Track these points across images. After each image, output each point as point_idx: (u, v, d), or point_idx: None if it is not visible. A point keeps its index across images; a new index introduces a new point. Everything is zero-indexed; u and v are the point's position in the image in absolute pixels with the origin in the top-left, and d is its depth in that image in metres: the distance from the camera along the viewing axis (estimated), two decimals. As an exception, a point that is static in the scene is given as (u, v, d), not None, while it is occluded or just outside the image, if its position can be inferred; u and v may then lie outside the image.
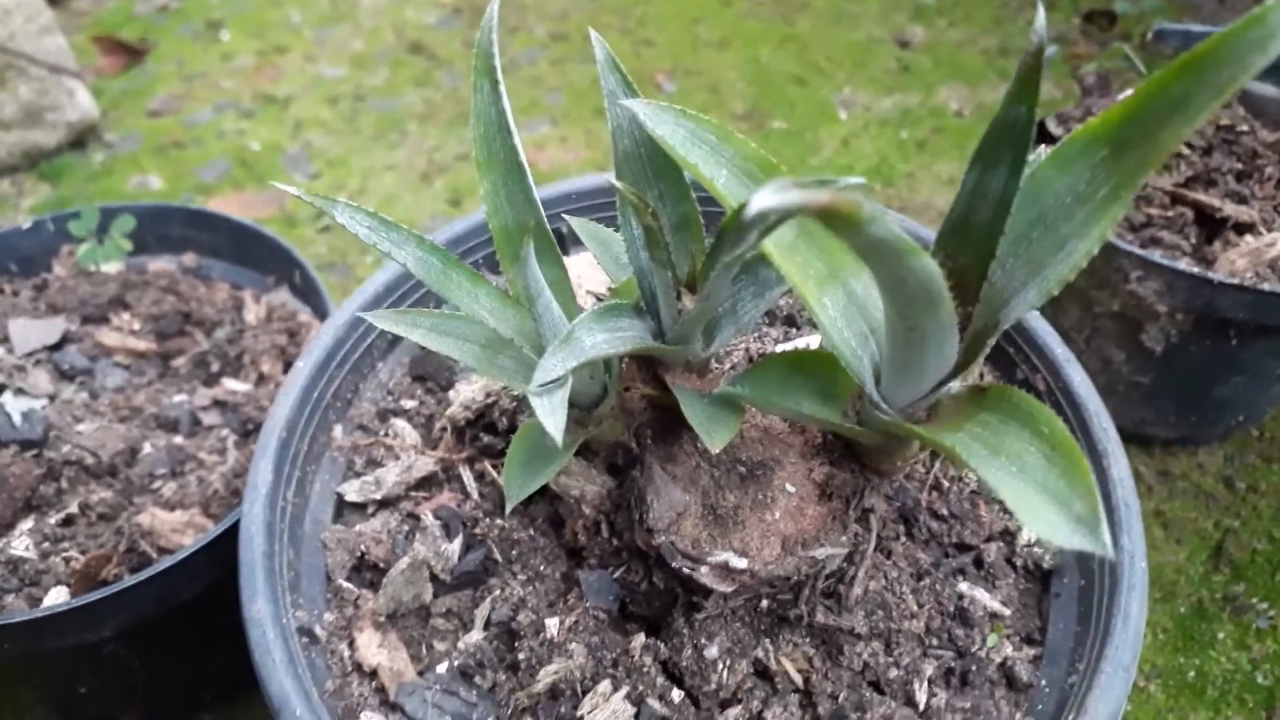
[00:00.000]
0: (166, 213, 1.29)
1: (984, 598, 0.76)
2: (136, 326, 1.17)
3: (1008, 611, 0.76)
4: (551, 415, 0.55)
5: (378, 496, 0.83)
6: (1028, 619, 0.77)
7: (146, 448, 1.03)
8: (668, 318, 0.66)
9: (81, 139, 2.07)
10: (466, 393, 0.87)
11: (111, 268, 1.24)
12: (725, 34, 2.43)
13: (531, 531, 0.79)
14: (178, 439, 1.06)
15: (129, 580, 0.88)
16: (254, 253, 1.27)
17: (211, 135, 2.12)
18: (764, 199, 0.36)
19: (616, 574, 0.77)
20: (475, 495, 0.83)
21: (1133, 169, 0.49)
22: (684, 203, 0.66)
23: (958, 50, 2.33)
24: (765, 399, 0.65)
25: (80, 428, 1.03)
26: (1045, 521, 0.47)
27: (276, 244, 1.22)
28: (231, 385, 1.12)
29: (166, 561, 0.89)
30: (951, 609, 0.76)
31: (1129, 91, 0.48)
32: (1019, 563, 0.80)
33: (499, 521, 0.79)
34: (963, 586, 0.77)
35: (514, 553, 0.78)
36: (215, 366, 1.14)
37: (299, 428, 0.82)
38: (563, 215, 0.81)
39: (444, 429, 0.86)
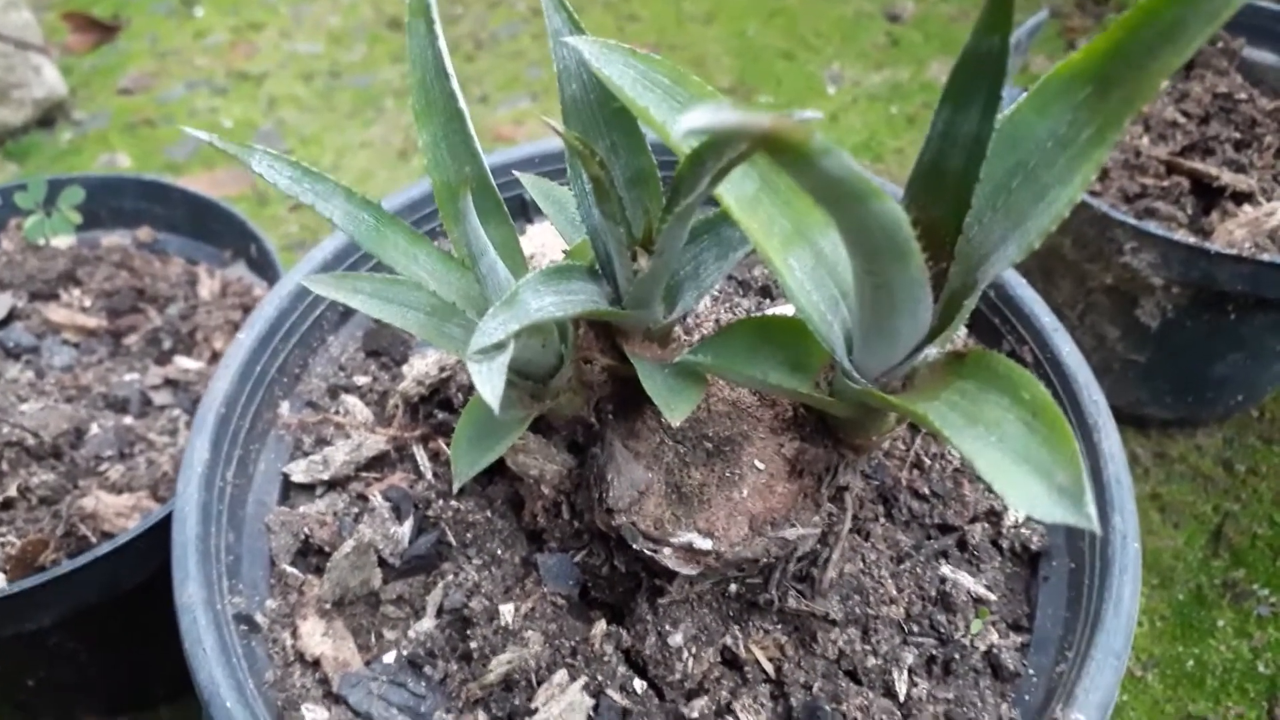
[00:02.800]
0: (119, 185, 1.24)
1: (968, 582, 0.73)
2: (87, 303, 1.13)
3: (993, 596, 0.73)
4: (489, 382, 0.50)
5: (325, 477, 0.78)
6: (1014, 604, 0.73)
7: (94, 428, 0.98)
8: (623, 279, 0.61)
9: (49, 117, 2.02)
10: (420, 367, 0.82)
11: (63, 242, 1.19)
12: (711, 8, 2.38)
13: (489, 513, 0.75)
14: (127, 419, 1.01)
15: (66, 566, 0.84)
16: (210, 227, 1.22)
17: (184, 113, 2.07)
18: (697, 118, 0.32)
19: (577, 557, 0.73)
20: (429, 475, 0.78)
21: (1118, 107, 0.45)
22: (639, 156, 0.61)
23: (949, 24, 2.28)
24: (729, 368, 0.61)
25: (24, 408, 0.98)
26: (1024, 493, 0.43)
27: (232, 217, 1.17)
28: (184, 363, 1.08)
29: (106, 546, 0.85)
30: (933, 594, 0.72)
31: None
32: (1005, 545, 0.76)
33: (454, 503, 0.74)
34: (945, 570, 0.73)
35: (469, 535, 0.74)
36: (167, 344, 1.09)
37: (240, 404, 0.78)
38: (514, 173, 0.76)
39: (396, 405, 0.82)
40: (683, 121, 0.31)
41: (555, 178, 0.92)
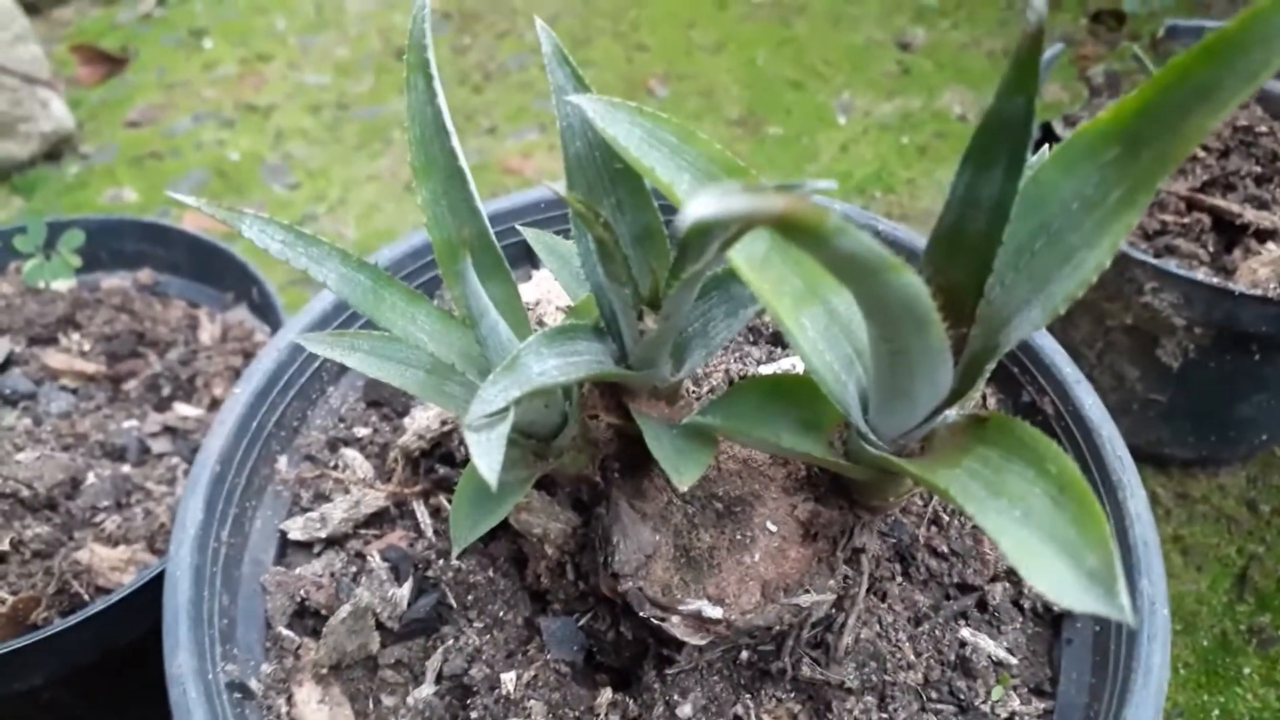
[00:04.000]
0: (120, 227, 1.22)
1: (988, 645, 0.70)
2: (87, 347, 1.11)
3: (1014, 660, 0.70)
4: (486, 455, 0.47)
5: (323, 535, 0.76)
6: (1037, 668, 0.70)
7: (90, 478, 0.96)
8: (629, 339, 0.59)
9: (56, 151, 2.02)
10: (422, 420, 0.80)
11: (62, 285, 1.18)
12: (720, 37, 2.36)
13: (491, 573, 0.72)
14: (124, 468, 0.99)
15: (59, 624, 0.82)
16: (212, 268, 1.20)
17: (190, 146, 2.06)
18: (702, 206, 0.30)
19: (582, 621, 0.70)
20: (429, 533, 0.76)
21: (1149, 169, 0.43)
22: (645, 212, 0.59)
23: (961, 52, 2.26)
24: (739, 430, 0.59)
25: (19, 457, 0.96)
26: (1052, 577, 0.40)
27: (233, 259, 1.15)
28: (183, 410, 1.05)
29: (99, 604, 0.82)
30: (952, 658, 0.69)
31: (1141, 90, 0.41)
32: (1027, 605, 0.73)
33: (454, 562, 0.72)
34: (965, 632, 0.70)
35: (470, 597, 0.71)
36: (167, 390, 1.07)
37: (236, 460, 0.75)
38: (517, 226, 0.74)
39: (397, 460, 0.79)
40: (689, 212, 0.29)
41: (564, 221, 0.90)
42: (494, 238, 0.60)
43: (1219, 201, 1.19)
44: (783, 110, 2.12)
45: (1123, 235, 0.44)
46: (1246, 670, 1.17)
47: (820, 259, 0.37)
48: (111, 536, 0.92)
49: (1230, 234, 1.19)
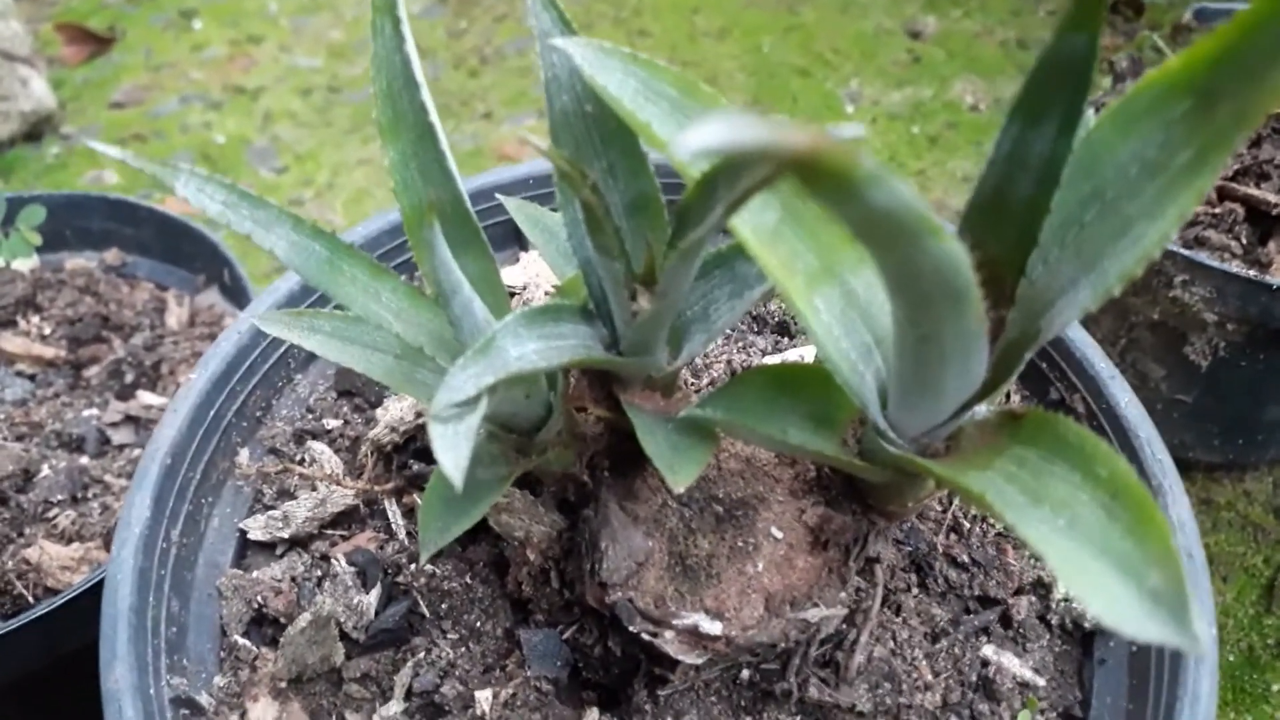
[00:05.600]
0: (85, 204, 1.16)
1: (1013, 664, 0.64)
2: (47, 331, 1.05)
3: (1041, 681, 0.64)
4: (452, 450, 0.41)
5: (285, 535, 0.70)
6: (1066, 690, 0.65)
7: (44, 470, 0.90)
8: (621, 321, 0.53)
9: (37, 131, 1.96)
10: (395, 411, 0.74)
11: (23, 265, 1.11)
12: (725, 23, 2.30)
13: (468, 579, 0.66)
14: (82, 459, 0.93)
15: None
16: (182, 249, 1.14)
17: (175, 128, 2.01)
18: (705, 133, 0.23)
19: (567, 634, 0.64)
20: (401, 535, 0.70)
21: (1225, 127, 0.37)
22: (640, 178, 0.53)
23: (973, 41, 2.20)
24: (742, 424, 0.53)
25: (-31, 447, 0.90)
26: (1108, 598, 0.34)
27: (205, 239, 1.09)
28: (147, 398, 0.99)
29: (44, 606, 0.76)
30: (974, 678, 0.64)
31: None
32: (1054, 620, 0.68)
33: (428, 567, 0.66)
34: (987, 650, 0.65)
35: (444, 606, 0.65)
36: (130, 377, 1.01)
37: (190, 453, 0.69)
38: (498, 197, 0.68)
39: (368, 454, 0.73)
40: (687, 138, 0.23)
41: (555, 198, 0.84)
42: (469, 206, 0.54)
43: (1253, 191, 1.13)
44: (789, 99, 2.06)
45: (1192, 204, 0.38)
46: (1275, 687, 1.11)
47: (846, 216, 0.31)
48: (65, 533, 0.86)
49: (1265, 225, 1.13)
